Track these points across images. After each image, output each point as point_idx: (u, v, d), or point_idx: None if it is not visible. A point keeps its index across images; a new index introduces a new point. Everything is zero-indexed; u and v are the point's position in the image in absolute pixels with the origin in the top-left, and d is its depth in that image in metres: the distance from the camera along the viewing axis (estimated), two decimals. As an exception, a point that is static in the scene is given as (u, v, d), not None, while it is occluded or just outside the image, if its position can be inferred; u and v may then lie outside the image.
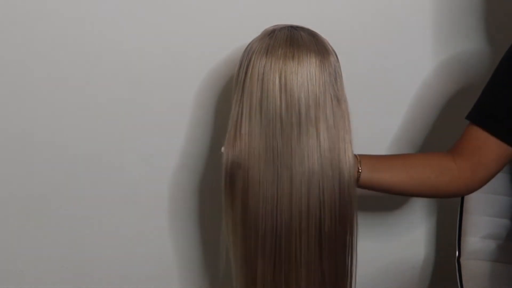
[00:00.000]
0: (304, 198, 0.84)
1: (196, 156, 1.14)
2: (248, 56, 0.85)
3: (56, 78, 1.05)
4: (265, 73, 0.82)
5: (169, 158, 1.13)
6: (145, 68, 1.07)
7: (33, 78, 1.04)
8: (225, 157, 0.87)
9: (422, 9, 1.14)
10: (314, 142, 0.83)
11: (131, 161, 1.12)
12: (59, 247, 1.15)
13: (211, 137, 1.13)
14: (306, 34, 0.85)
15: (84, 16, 1.02)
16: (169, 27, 1.05)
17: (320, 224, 0.85)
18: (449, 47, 1.18)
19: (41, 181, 1.10)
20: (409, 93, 1.20)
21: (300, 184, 0.84)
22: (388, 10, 1.13)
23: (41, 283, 1.16)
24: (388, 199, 1.18)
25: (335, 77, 0.85)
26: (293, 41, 0.83)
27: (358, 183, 0.91)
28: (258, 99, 0.83)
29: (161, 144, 1.12)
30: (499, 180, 1.08)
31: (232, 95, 0.87)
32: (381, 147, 1.22)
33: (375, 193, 0.95)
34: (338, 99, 0.85)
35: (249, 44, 0.87)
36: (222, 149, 0.88)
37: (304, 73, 0.82)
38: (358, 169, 0.90)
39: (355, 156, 0.90)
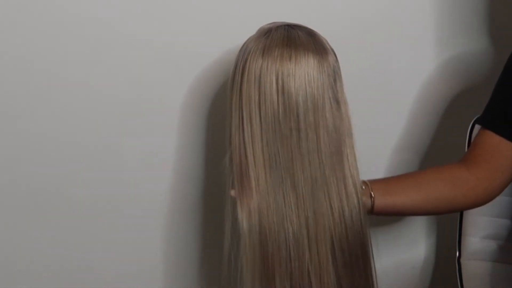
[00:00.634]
0: (309, 206, 0.81)
1: (195, 155, 1.14)
2: (244, 57, 0.82)
3: (56, 78, 1.05)
4: (261, 75, 0.80)
5: (169, 158, 1.13)
6: (142, 69, 1.07)
7: (33, 77, 1.04)
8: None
9: (423, 8, 1.14)
10: (314, 147, 0.81)
11: (131, 161, 1.12)
12: (58, 247, 1.15)
13: (210, 137, 1.13)
14: (303, 33, 0.82)
15: (84, 16, 1.02)
16: (165, 27, 1.05)
17: (331, 231, 0.82)
18: (450, 47, 1.18)
19: (41, 181, 1.10)
20: (411, 93, 1.20)
21: (303, 191, 0.81)
22: (389, 9, 1.13)
23: (41, 283, 1.16)
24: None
25: (334, 78, 0.82)
26: (290, 40, 0.80)
27: (373, 210, 0.87)
28: (257, 103, 0.80)
29: (160, 144, 1.12)
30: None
31: (229, 96, 0.86)
32: (382, 148, 1.22)
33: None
34: (338, 101, 0.82)
35: (244, 44, 0.85)
36: (232, 192, 0.85)
37: (302, 75, 0.79)
38: (371, 195, 0.87)
39: (365, 182, 0.88)
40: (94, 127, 1.08)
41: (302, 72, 0.79)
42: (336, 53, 0.86)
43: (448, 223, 1.17)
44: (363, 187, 0.88)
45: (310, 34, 0.83)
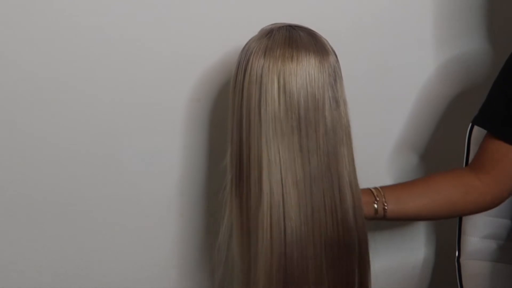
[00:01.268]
0: (308, 203, 0.82)
1: (195, 155, 1.14)
2: (246, 57, 0.83)
3: (56, 78, 1.04)
4: (263, 75, 0.80)
5: (172, 159, 1.13)
6: (143, 69, 1.07)
7: (33, 77, 1.04)
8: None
9: (423, 10, 1.14)
10: (313, 145, 0.82)
11: (131, 161, 1.12)
12: (59, 247, 1.14)
13: (210, 136, 1.13)
14: (305, 33, 0.83)
15: (84, 16, 1.02)
16: (167, 28, 1.05)
17: (325, 229, 0.83)
18: (451, 47, 1.18)
19: (41, 181, 1.10)
20: (411, 93, 1.20)
21: (303, 189, 0.82)
22: (389, 10, 1.13)
23: (41, 283, 1.16)
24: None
25: (335, 78, 0.83)
26: (292, 41, 0.81)
27: (385, 217, 0.90)
28: (257, 102, 0.81)
29: (160, 143, 1.12)
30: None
31: (231, 96, 0.87)
32: (382, 148, 1.22)
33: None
34: (337, 101, 0.83)
35: (246, 44, 0.86)
36: None
37: (303, 75, 0.80)
38: (384, 204, 0.89)
39: (378, 189, 0.90)
40: (96, 128, 1.08)
41: (304, 72, 0.80)
42: (336, 54, 0.86)
43: (448, 223, 1.17)
44: (376, 194, 0.91)
45: (311, 35, 0.84)
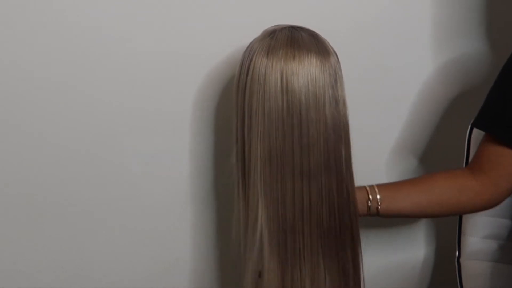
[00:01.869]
0: (306, 197, 0.85)
1: (196, 155, 1.14)
2: (249, 57, 0.85)
3: (56, 78, 1.04)
4: (266, 74, 0.82)
5: (169, 158, 1.13)
6: (145, 68, 1.07)
7: (33, 78, 1.04)
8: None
9: (422, 11, 1.15)
10: (314, 142, 0.84)
11: (131, 161, 1.12)
12: (59, 247, 1.14)
13: (211, 137, 1.13)
14: (306, 34, 0.85)
15: (85, 17, 1.02)
16: (169, 28, 1.05)
17: (321, 220, 0.86)
18: (450, 48, 1.18)
19: (41, 181, 1.10)
20: (410, 94, 1.20)
21: (301, 184, 0.84)
22: (389, 12, 1.13)
23: (41, 283, 1.16)
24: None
25: (335, 78, 0.85)
26: (294, 41, 0.83)
27: (378, 214, 0.92)
28: (261, 100, 0.83)
29: (161, 144, 1.12)
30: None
31: (235, 95, 0.88)
32: (381, 148, 1.23)
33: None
34: (337, 100, 0.85)
35: (249, 45, 0.87)
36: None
37: (305, 74, 0.82)
38: (377, 202, 0.91)
39: (373, 187, 0.92)
40: (97, 129, 1.08)
41: (306, 71, 0.82)
42: (337, 54, 0.88)
43: (448, 223, 1.18)
44: (370, 192, 0.93)
45: (313, 36, 0.86)
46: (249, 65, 0.84)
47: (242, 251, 0.91)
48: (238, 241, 0.91)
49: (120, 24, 1.04)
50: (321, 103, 0.83)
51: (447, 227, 1.19)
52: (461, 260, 1.13)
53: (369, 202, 0.94)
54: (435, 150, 1.24)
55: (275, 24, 0.88)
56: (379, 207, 0.92)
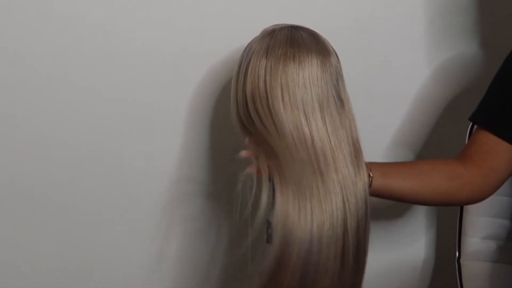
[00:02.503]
0: (333, 202, 0.81)
1: (195, 155, 1.14)
2: (248, 57, 0.84)
3: (57, 77, 1.05)
4: (266, 74, 0.81)
5: (169, 158, 1.13)
6: (144, 68, 1.07)
7: (34, 77, 1.04)
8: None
9: (422, 11, 1.15)
10: (325, 141, 0.82)
11: (131, 161, 1.12)
12: (59, 247, 1.14)
13: (210, 136, 1.13)
14: (306, 34, 0.84)
15: (86, 17, 1.02)
16: (169, 27, 1.06)
17: (346, 226, 0.83)
18: (449, 46, 1.18)
19: (41, 180, 1.10)
20: (408, 93, 1.20)
21: (318, 186, 0.81)
22: (388, 13, 1.14)
23: (41, 283, 1.16)
24: (389, 200, 1.19)
25: (337, 78, 0.84)
26: (294, 41, 0.82)
27: (370, 189, 0.88)
28: (264, 100, 0.82)
29: (161, 143, 1.12)
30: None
31: (233, 95, 0.87)
32: (380, 149, 1.23)
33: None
34: (341, 99, 0.84)
35: (248, 44, 0.86)
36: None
37: (305, 74, 0.81)
38: (369, 175, 0.87)
39: (365, 163, 0.88)
40: (98, 128, 1.09)
41: (306, 72, 0.81)
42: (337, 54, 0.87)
43: (448, 223, 1.18)
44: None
45: (313, 35, 0.85)
46: (248, 65, 0.83)
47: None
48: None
49: (120, 24, 1.04)
50: (325, 103, 0.82)
51: (447, 227, 1.19)
52: (461, 260, 1.13)
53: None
54: (434, 149, 1.24)
55: (274, 24, 0.87)
56: (371, 179, 0.88)
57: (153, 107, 1.09)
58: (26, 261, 1.14)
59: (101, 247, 1.16)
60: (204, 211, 1.18)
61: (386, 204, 1.26)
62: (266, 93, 0.81)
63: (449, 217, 1.19)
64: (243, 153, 0.88)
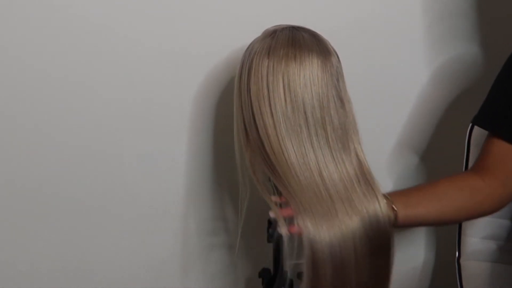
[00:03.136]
0: (335, 200, 0.83)
1: (196, 155, 1.14)
2: (249, 57, 0.84)
3: (57, 77, 1.05)
4: (268, 74, 0.82)
5: (170, 158, 1.13)
6: (145, 68, 1.07)
7: (34, 77, 1.04)
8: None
9: (422, 12, 1.15)
10: (324, 142, 0.83)
11: (131, 161, 1.12)
12: (58, 247, 1.14)
13: (211, 136, 1.13)
14: (307, 34, 0.85)
15: (86, 17, 1.02)
16: (169, 27, 1.06)
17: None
18: (450, 47, 1.18)
19: (41, 180, 1.10)
20: (409, 94, 1.20)
21: (321, 184, 0.83)
22: (388, 13, 1.14)
23: (41, 283, 1.16)
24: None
25: (337, 78, 0.84)
26: (295, 41, 0.83)
27: (396, 223, 0.88)
28: (266, 99, 0.82)
29: (161, 144, 1.12)
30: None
31: (237, 96, 0.87)
32: (381, 148, 1.23)
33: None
34: (341, 99, 0.84)
35: (250, 45, 0.87)
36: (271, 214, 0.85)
37: (306, 74, 0.81)
38: (393, 209, 0.86)
39: (386, 196, 0.87)
40: (98, 128, 1.09)
41: (307, 72, 0.82)
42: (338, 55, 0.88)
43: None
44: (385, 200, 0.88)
45: (314, 36, 0.86)
46: (250, 65, 0.84)
47: None
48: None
49: (120, 24, 1.04)
50: (325, 103, 0.83)
51: (447, 227, 1.19)
52: (461, 260, 1.13)
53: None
54: (436, 149, 1.24)
55: (275, 24, 0.88)
56: (396, 213, 0.87)
57: (153, 107, 1.09)
58: (26, 261, 1.14)
59: (101, 247, 1.16)
60: (205, 211, 1.18)
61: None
62: (269, 93, 0.82)
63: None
64: (271, 214, 0.86)
